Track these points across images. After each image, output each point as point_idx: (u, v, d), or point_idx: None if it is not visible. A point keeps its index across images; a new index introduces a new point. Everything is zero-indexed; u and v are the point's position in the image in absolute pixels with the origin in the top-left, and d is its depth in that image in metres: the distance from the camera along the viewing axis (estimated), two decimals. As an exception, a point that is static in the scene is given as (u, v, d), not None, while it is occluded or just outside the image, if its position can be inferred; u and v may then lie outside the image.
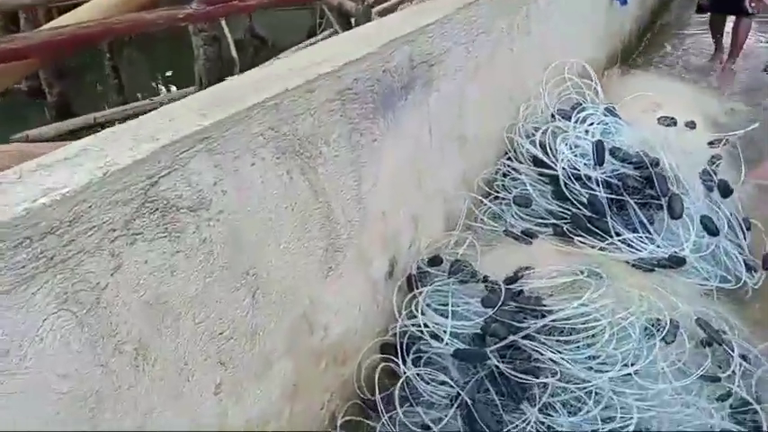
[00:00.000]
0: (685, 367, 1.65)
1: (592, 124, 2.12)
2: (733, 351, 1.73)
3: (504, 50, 2.43)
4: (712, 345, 1.76)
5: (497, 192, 2.33)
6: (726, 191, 2.13)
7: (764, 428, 1.61)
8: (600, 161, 2.04)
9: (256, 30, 8.36)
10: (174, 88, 7.05)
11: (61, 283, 0.90)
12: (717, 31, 4.84)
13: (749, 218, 2.17)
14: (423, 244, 2.04)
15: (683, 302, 1.77)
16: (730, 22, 4.72)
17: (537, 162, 2.24)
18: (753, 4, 4.47)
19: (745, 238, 2.09)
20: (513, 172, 2.34)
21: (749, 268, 2.07)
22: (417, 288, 1.91)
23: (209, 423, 1.20)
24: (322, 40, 4.81)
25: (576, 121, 2.15)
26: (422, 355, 1.80)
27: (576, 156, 2.10)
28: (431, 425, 1.66)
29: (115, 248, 0.97)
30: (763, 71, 4.04)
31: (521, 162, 2.33)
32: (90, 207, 0.92)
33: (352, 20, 5.57)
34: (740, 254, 2.05)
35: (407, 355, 1.79)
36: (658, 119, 2.38)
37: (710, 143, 2.34)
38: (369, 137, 1.65)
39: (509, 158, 2.42)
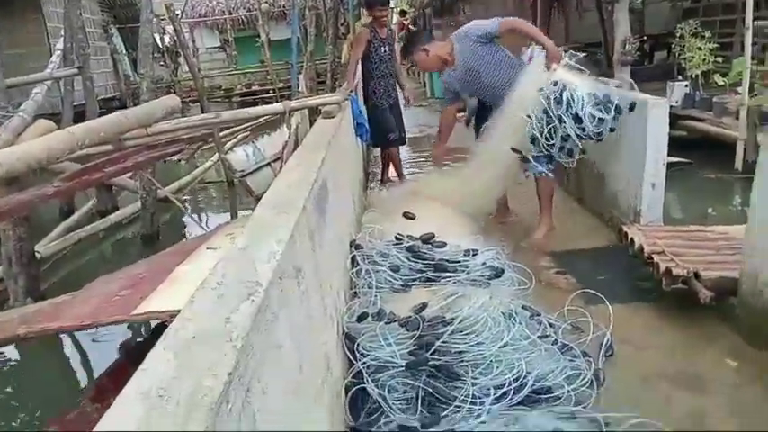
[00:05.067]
0: (529, 331, 2.75)
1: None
2: (541, 320, 2.93)
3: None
4: (533, 317, 2.91)
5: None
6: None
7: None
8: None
9: None
10: None
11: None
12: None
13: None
14: (344, 309, 2.79)
15: (514, 298, 2.90)
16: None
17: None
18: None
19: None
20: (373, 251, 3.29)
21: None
22: (357, 338, 2.63)
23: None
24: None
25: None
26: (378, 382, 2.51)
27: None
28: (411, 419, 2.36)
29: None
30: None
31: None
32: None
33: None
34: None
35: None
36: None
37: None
38: (321, 229, 2.41)
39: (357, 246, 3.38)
